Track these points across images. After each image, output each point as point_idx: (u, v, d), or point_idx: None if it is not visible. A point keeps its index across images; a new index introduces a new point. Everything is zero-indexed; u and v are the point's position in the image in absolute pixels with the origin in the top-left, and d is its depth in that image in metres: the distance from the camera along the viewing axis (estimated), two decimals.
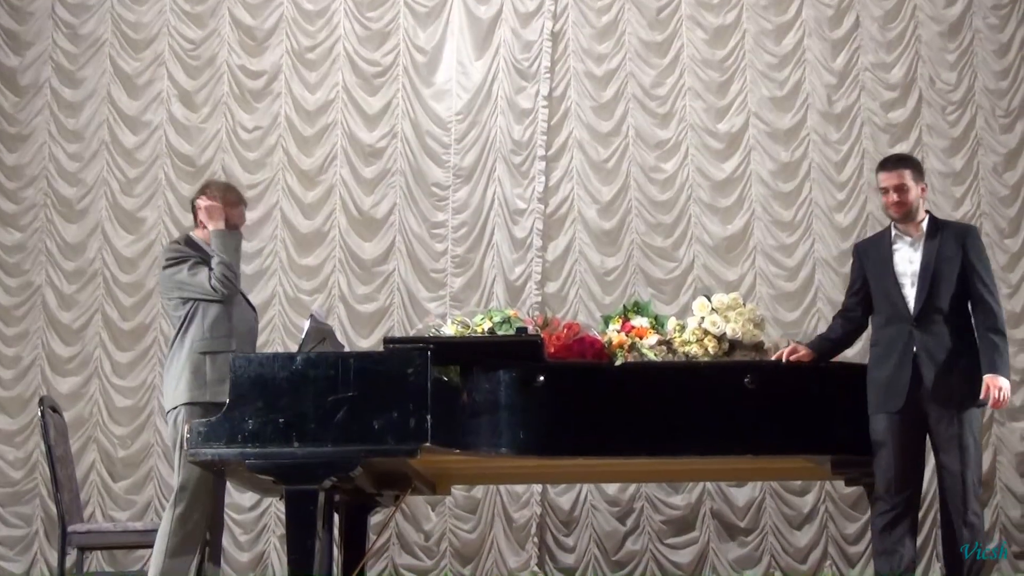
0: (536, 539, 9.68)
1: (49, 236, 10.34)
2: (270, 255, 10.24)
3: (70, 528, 7.05)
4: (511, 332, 6.57)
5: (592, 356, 6.53)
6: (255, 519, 9.83)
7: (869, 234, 9.73)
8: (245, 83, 10.54)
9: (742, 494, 9.70)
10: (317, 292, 10.17)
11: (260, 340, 9.67)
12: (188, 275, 6.49)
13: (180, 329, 6.53)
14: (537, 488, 9.69)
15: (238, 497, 9.66)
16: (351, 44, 10.57)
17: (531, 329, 6.57)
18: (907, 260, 6.38)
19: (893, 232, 6.49)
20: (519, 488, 9.72)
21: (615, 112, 10.38)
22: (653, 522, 9.70)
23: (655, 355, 6.58)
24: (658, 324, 6.80)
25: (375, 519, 8.01)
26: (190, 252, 6.57)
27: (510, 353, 6.30)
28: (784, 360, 6.45)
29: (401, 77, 10.50)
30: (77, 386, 10.08)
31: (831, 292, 9.89)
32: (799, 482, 9.49)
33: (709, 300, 6.93)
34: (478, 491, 9.76)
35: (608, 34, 10.50)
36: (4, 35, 10.68)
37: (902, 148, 10.10)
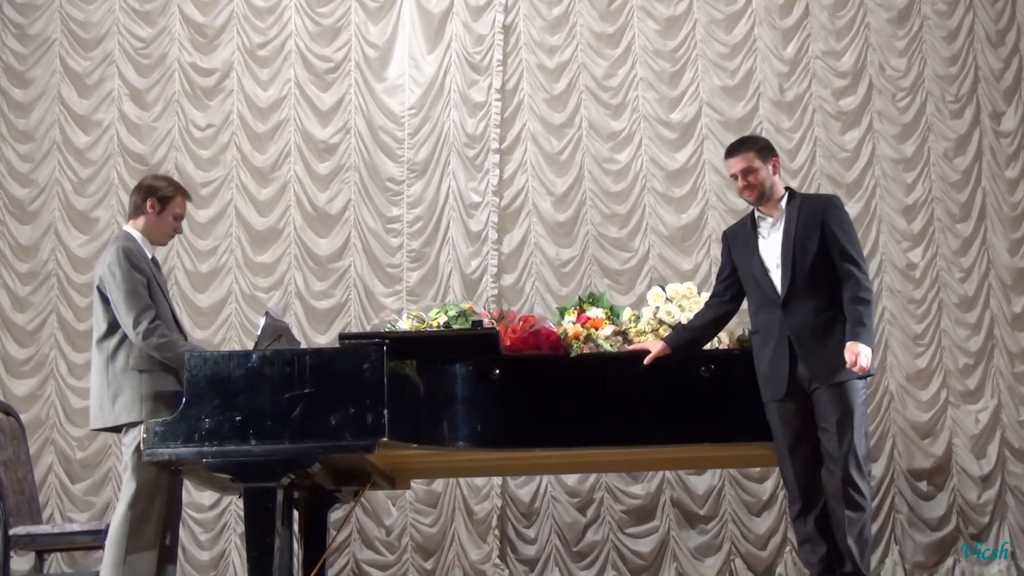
0: (497, 531, 9.69)
1: (1, 238, 10.27)
2: (225, 252, 10.21)
3: (12, 531, 7.01)
4: (467, 326, 6.59)
5: (548, 348, 6.57)
6: (215, 518, 9.80)
7: None
8: (197, 81, 10.50)
9: (701, 482, 9.75)
10: (273, 289, 10.15)
11: (216, 339, 9.74)
12: (136, 318, 6.29)
13: (109, 335, 6.39)
14: (497, 481, 9.70)
15: (198, 496, 9.64)
16: (303, 40, 10.55)
17: (487, 322, 6.59)
18: (771, 242, 6.30)
19: (756, 214, 6.41)
20: (479, 481, 9.73)
21: (568, 104, 10.39)
22: (613, 512, 9.73)
23: (611, 346, 6.62)
24: (613, 315, 6.84)
25: (335, 515, 8.02)
26: (141, 287, 6.38)
27: (466, 347, 6.33)
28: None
29: (353, 72, 10.48)
30: (33, 388, 10.03)
31: None
32: (758, 469, 9.53)
33: (664, 290, 7.00)
34: (438, 485, 9.77)
35: (559, 26, 10.51)
36: None
37: (854, 135, 10.20)
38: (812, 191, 10.04)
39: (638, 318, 6.79)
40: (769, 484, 9.67)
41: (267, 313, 6.60)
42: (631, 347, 6.58)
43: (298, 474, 6.00)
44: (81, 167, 10.37)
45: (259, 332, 6.39)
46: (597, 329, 6.64)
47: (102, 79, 10.53)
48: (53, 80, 10.52)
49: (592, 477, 9.73)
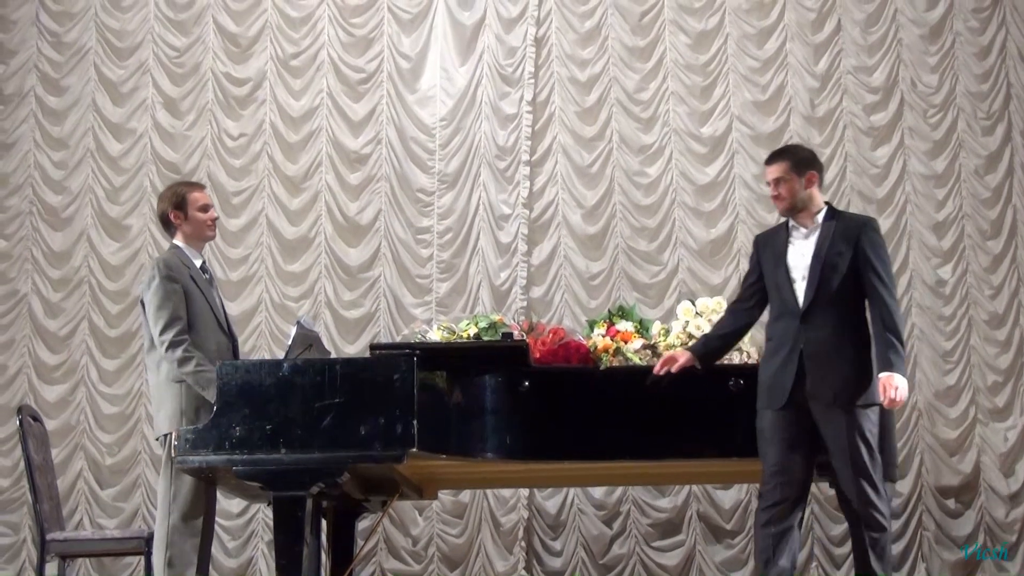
0: (523, 543, 9.70)
1: (35, 244, 10.35)
2: (256, 262, 10.26)
3: (48, 536, 7.05)
4: (497, 337, 6.61)
5: (577, 361, 6.58)
6: (243, 525, 9.84)
7: None
8: (230, 90, 10.56)
9: (728, 496, 9.74)
10: (303, 298, 10.19)
11: (247, 347, 9.74)
12: (162, 329, 6.40)
13: (153, 346, 6.50)
14: (524, 492, 9.71)
15: (226, 503, 9.66)
16: (335, 50, 10.59)
17: (516, 334, 6.60)
18: (800, 254, 6.19)
19: (790, 224, 6.31)
20: (506, 492, 9.74)
21: (599, 117, 10.41)
22: (640, 525, 9.73)
23: (640, 359, 6.62)
24: (643, 328, 6.85)
25: (363, 524, 8.04)
26: (178, 309, 6.45)
27: (496, 358, 6.33)
28: (658, 372, 6.34)
29: (385, 83, 10.53)
30: (64, 394, 10.08)
31: None
32: None
33: (693, 304, 7.00)
34: (465, 496, 9.78)
35: (591, 39, 10.53)
36: None
37: (885, 151, 10.18)
38: (842, 207, 10.02)
39: (667, 332, 6.80)
40: None
41: (298, 322, 6.63)
42: (661, 360, 6.54)
43: (327, 484, 6.00)
44: (114, 175, 10.44)
45: (290, 341, 6.41)
46: (626, 342, 6.65)
47: (136, 87, 10.60)
48: (88, 88, 10.60)
49: (619, 490, 9.73)
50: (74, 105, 10.59)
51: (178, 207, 6.68)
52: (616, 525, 9.77)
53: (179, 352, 6.33)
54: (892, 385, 5.86)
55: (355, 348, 9.97)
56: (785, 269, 6.19)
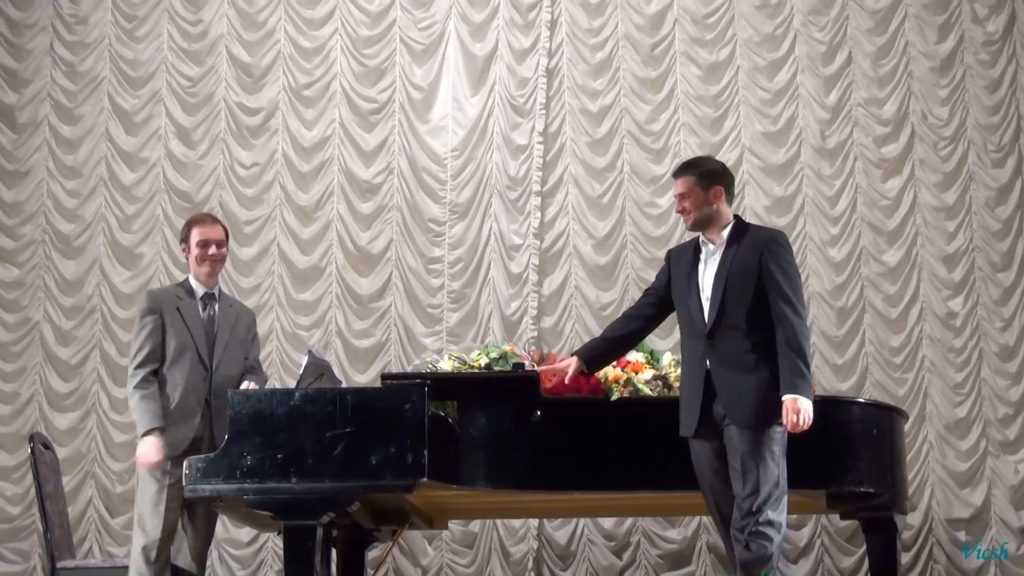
0: (533, 573, 9.69)
1: (47, 272, 10.38)
2: (267, 291, 10.28)
3: (59, 564, 7.05)
4: (508, 368, 6.61)
5: (588, 391, 6.56)
6: (252, 554, 9.83)
7: (863, 271, 9.87)
8: (242, 120, 10.61)
9: None
10: (314, 327, 10.21)
11: None
12: (130, 359, 6.54)
13: None
14: (534, 522, 9.70)
15: (235, 532, 9.68)
16: (348, 81, 10.64)
17: (527, 365, 6.60)
18: (707, 271, 5.96)
19: (700, 239, 6.09)
20: (516, 522, 9.73)
21: (610, 148, 10.44)
22: (650, 556, 9.72)
23: (651, 390, 6.62)
24: (653, 359, 6.84)
25: (372, 554, 8.03)
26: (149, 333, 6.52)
27: (507, 389, 6.32)
28: (548, 386, 6.27)
29: (397, 113, 10.57)
30: (75, 422, 10.10)
31: (826, 327, 9.96)
32: (795, 516, 9.49)
33: None
34: (475, 525, 9.78)
35: (603, 71, 10.57)
36: (3, 72, 10.74)
37: (895, 183, 10.20)
38: (852, 238, 10.07)
39: (678, 363, 6.79)
40: (806, 531, 9.65)
41: (310, 351, 6.63)
42: (544, 368, 6.40)
43: (337, 513, 6.01)
44: (127, 203, 10.48)
45: (301, 370, 6.42)
46: (637, 373, 6.64)
47: (149, 117, 10.65)
48: (101, 117, 10.65)
49: (629, 521, 9.73)
50: (87, 134, 10.64)
51: (184, 239, 6.74)
52: (626, 556, 9.76)
53: (132, 382, 6.44)
54: (795, 408, 5.61)
55: (366, 377, 9.98)
56: (694, 287, 5.99)
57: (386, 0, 10.79)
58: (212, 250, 6.67)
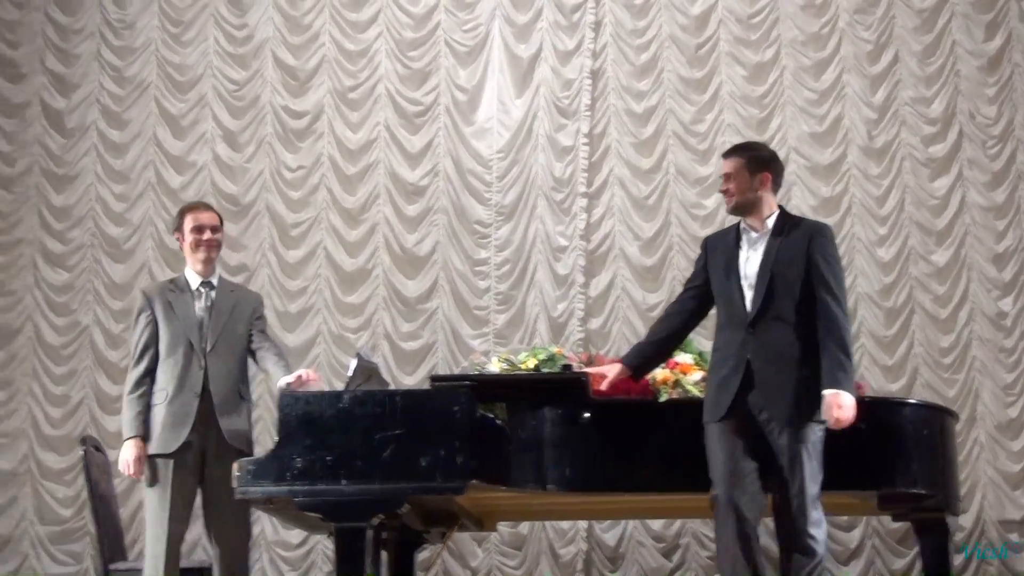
0: (582, 575, 9.68)
1: (96, 276, 10.46)
2: (314, 293, 10.32)
3: (111, 566, 7.07)
4: (556, 369, 6.60)
5: (637, 393, 6.54)
6: (302, 556, 9.85)
7: (912, 271, 9.79)
8: (288, 123, 10.65)
9: None
10: (361, 330, 10.24)
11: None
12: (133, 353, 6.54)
13: None
14: (583, 524, 9.69)
15: (285, 534, 9.71)
16: (392, 83, 10.67)
17: (576, 366, 6.59)
18: (750, 259, 5.85)
19: (741, 226, 5.98)
20: (565, 524, 9.73)
21: (655, 149, 10.42)
22: (699, 558, 9.69)
23: (700, 391, 6.59)
24: (702, 360, 6.81)
25: (422, 555, 8.03)
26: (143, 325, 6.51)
27: (555, 390, 6.31)
28: (597, 393, 6.12)
29: (442, 116, 10.59)
30: None
31: (874, 327, 9.92)
32: (845, 517, 9.45)
33: None
34: (524, 527, 9.78)
35: (647, 71, 10.56)
36: (52, 78, 10.83)
37: (943, 183, 10.16)
38: (901, 239, 10.01)
39: None
40: (857, 533, 9.60)
41: (358, 354, 6.64)
42: (591, 369, 6.29)
43: (388, 514, 6.01)
44: (175, 207, 10.39)
45: (350, 372, 6.43)
46: (686, 374, 6.60)
47: (196, 121, 10.72)
48: (149, 122, 10.73)
49: (678, 523, 9.70)
50: (135, 138, 10.72)
51: (177, 228, 6.61)
52: (675, 558, 9.74)
53: (126, 386, 6.48)
54: (838, 404, 5.50)
55: (413, 379, 10.00)
56: (735, 275, 5.88)
57: (430, 2, 10.82)
58: (207, 235, 6.55)
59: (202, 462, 6.22)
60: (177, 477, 6.17)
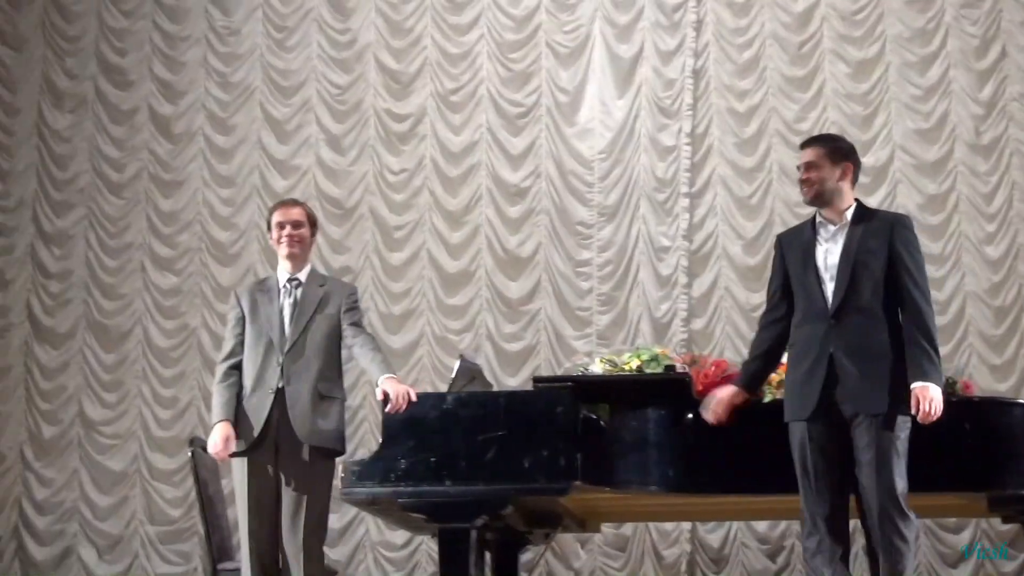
0: None
1: (204, 279, 10.60)
2: (417, 295, 10.38)
3: (219, 566, 7.13)
4: (660, 370, 6.57)
5: None
6: (406, 557, 9.91)
7: (1022, 268, 9.64)
8: (391, 126, 10.72)
9: None
10: (464, 332, 10.28)
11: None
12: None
13: None
14: (687, 525, 9.65)
15: (389, 535, 9.77)
16: (494, 86, 10.70)
17: (679, 367, 6.56)
18: (829, 252, 5.72)
19: (817, 220, 5.84)
20: (668, 525, 9.69)
21: (758, 148, 10.36)
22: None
23: None
24: None
25: (525, 557, 8.04)
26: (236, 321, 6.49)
27: (658, 391, 6.29)
28: (718, 422, 6.00)
29: (544, 117, 10.60)
30: None
31: (983, 326, 9.77)
32: (954, 519, 9.32)
33: None
34: (628, 528, 9.76)
35: (750, 70, 10.49)
36: (159, 84, 11.00)
37: None
38: (1009, 235, 9.87)
39: None
40: (966, 535, 9.46)
41: (461, 356, 6.67)
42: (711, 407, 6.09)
43: (492, 516, 6.02)
44: None
45: (453, 374, 6.45)
46: None
47: (300, 125, 10.82)
48: (254, 126, 10.85)
49: (782, 524, 9.62)
50: (241, 143, 10.85)
51: (268, 228, 6.68)
52: (780, 560, 9.66)
53: (215, 377, 6.42)
54: (927, 397, 5.39)
55: (516, 381, 10.01)
56: (814, 267, 5.74)
57: (531, 4, 10.83)
58: (287, 230, 6.47)
59: (277, 460, 6.20)
60: (253, 475, 6.15)
